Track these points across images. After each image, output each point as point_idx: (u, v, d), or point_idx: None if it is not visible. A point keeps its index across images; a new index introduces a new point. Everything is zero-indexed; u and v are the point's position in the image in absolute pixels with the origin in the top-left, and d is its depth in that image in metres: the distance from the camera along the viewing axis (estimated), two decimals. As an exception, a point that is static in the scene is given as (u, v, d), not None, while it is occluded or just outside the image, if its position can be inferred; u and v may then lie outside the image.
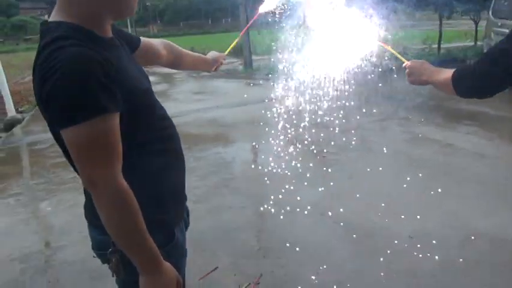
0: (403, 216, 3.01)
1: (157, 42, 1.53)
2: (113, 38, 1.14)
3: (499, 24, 6.56)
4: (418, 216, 2.98)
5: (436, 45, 10.72)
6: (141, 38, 1.43)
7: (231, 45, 2.11)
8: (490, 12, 7.20)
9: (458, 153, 4.24)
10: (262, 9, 2.07)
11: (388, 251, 2.62)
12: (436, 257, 2.51)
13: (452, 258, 2.51)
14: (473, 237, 2.70)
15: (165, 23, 38.86)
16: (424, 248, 2.60)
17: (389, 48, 1.74)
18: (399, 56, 1.72)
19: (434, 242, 2.66)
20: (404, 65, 1.62)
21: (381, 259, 2.55)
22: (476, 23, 10.56)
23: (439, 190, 3.28)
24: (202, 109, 7.10)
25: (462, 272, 2.40)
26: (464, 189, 3.40)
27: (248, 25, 2.25)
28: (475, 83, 1.29)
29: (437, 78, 1.46)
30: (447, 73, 1.40)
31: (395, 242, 2.70)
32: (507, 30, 6.31)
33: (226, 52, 1.98)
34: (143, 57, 1.40)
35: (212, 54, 1.84)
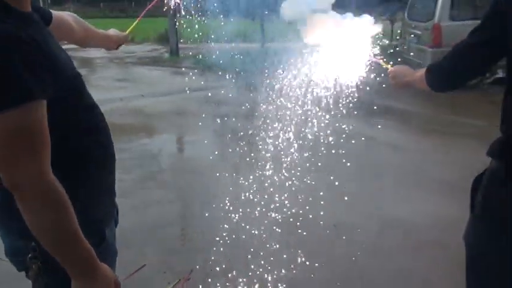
0: (328, 207, 3.13)
1: (66, 16, 1.39)
2: (33, 12, 0.99)
3: (413, 25, 7.09)
4: (343, 207, 3.12)
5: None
6: (51, 11, 1.29)
7: (132, 26, 2.04)
8: (406, 14, 7.76)
9: (379, 146, 4.53)
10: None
11: (315, 240, 2.71)
12: (357, 244, 2.66)
13: (373, 244, 2.67)
14: (392, 224, 2.90)
15: (83, 3, 36.20)
16: (347, 236, 2.74)
17: (374, 58, 1.82)
18: (383, 63, 1.79)
19: (356, 230, 2.81)
20: (388, 70, 1.71)
21: (308, 247, 2.63)
22: (393, 24, 11.32)
23: (363, 180, 3.47)
24: (126, 98, 6.74)
25: (381, 257, 2.57)
26: (385, 179, 3.63)
27: (147, 8, 2.18)
28: (440, 77, 1.40)
29: (415, 76, 1.55)
30: (421, 72, 1.49)
31: (321, 231, 2.81)
32: (419, 32, 6.86)
33: (128, 31, 1.90)
34: (55, 33, 1.24)
35: (114, 31, 1.73)
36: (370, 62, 1.88)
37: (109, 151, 1.22)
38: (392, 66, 1.71)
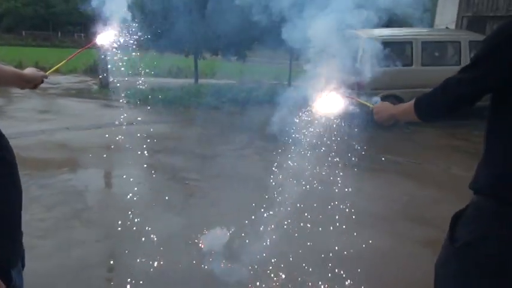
0: (263, 241, 3.14)
1: None
2: None
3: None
4: (276, 241, 3.14)
5: (286, 82, 11.87)
6: None
7: (56, 66, 2.07)
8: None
9: (308, 181, 4.67)
10: (99, 41, 2.13)
11: (251, 274, 2.69)
12: (292, 279, 2.67)
13: (307, 279, 2.70)
14: (326, 258, 2.97)
15: (3, 29, 33.99)
16: (281, 272, 2.75)
17: (356, 99, 2.06)
18: (364, 102, 2.00)
19: (290, 264, 2.83)
20: (372, 107, 1.90)
21: (242, 283, 2.60)
22: (318, 66, 12.11)
23: (295, 215, 3.54)
24: (48, 130, 6.32)
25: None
26: (316, 212, 3.74)
27: (77, 52, 2.19)
28: (430, 108, 1.52)
29: (401, 109, 1.70)
30: (408, 104, 1.61)
31: (257, 265, 2.80)
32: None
33: (49, 72, 1.85)
34: None
35: (30, 70, 1.66)
36: (352, 102, 2.10)
37: (14, 185, 1.13)
38: (372, 104, 1.91)
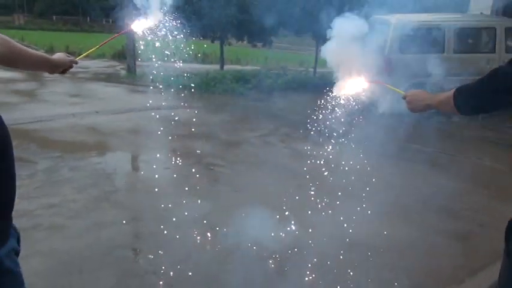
0: (286, 228, 3.15)
1: None
2: None
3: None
4: (301, 228, 3.16)
5: (312, 69, 11.72)
6: None
7: (87, 52, 2.07)
8: (358, 45, 8.18)
9: (334, 169, 4.64)
10: (135, 27, 2.13)
11: (273, 262, 2.71)
12: (316, 267, 2.69)
13: (333, 268, 2.71)
14: (350, 246, 2.96)
15: (35, 15, 34.82)
16: (305, 259, 2.76)
17: (386, 85, 1.97)
18: (395, 89, 1.91)
19: (315, 253, 2.84)
20: (403, 95, 1.79)
21: (266, 270, 2.63)
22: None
23: (319, 202, 3.53)
24: (79, 114, 6.50)
25: (341, 281, 2.61)
26: (341, 201, 3.72)
27: (110, 38, 2.20)
28: (473, 100, 1.41)
29: (438, 99, 1.59)
30: (445, 94, 1.52)
31: (280, 253, 2.82)
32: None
33: (80, 58, 1.86)
34: None
35: (59, 56, 1.68)
36: (382, 87, 2.04)
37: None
38: (404, 92, 1.81)
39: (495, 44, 7.18)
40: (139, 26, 2.15)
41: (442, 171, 4.74)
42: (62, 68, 1.69)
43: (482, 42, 7.53)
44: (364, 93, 2.25)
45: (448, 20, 7.21)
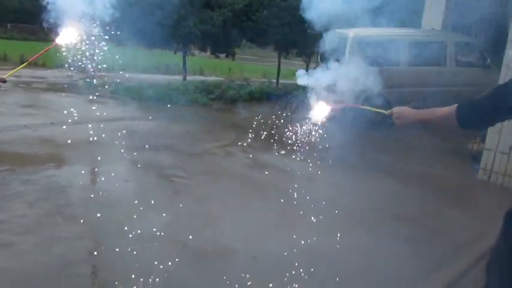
0: (247, 238, 3.14)
1: None
2: None
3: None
4: (261, 238, 3.15)
5: (275, 80, 11.87)
6: None
7: (16, 69, 1.96)
8: (319, 57, 8.37)
9: (293, 178, 4.69)
10: (59, 40, 2.03)
11: (235, 273, 2.68)
12: (276, 276, 2.68)
13: (292, 276, 2.71)
14: (308, 254, 2.98)
15: (-14, 23, 33.24)
16: (266, 268, 2.76)
17: (365, 107, 2.06)
18: (377, 110, 1.98)
19: (275, 262, 2.84)
20: (388, 112, 1.86)
21: (228, 281, 2.60)
22: (308, 65, 12.13)
23: (280, 212, 3.55)
24: (32, 125, 6.21)
25: (296, 283, 2.62)
26: (301, 210, 3.75)
27: (39, 54, 2.11)
28: (475, 116, 1.51)
29: (434, 114, 1.66)
30: (444, 109, 1.60)
31: (242, 263, 2.80)
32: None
33: (8, 76, 1.77)
34: None
35: None
36: (360, 109, 2.08)
37: None
38: (386, 111, 1.87)
39: (446, 58, 7.57)
40: (65, 38, 2.03)
41: (396, 179, 4.90)
42: None
43: (434, 55, 7.92)
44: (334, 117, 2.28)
45: (402, 34, 7.55)
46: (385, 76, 7.09)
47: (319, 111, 2.22)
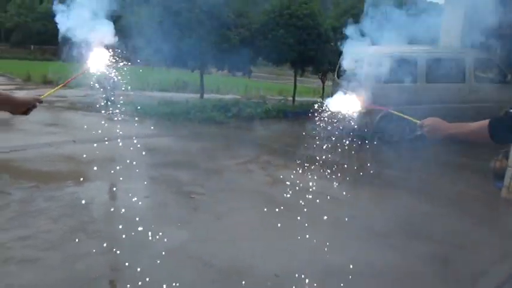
0: (268, 255, 3.12)
1: None
2: None
3: (342, 85, 7.70)
4: (282, 255, 3.13)
5: (291, 98, 11.93)
6: None
7: (51, 91, 2.01)
8: (336, 75, 8.41)
9: (313, 196, 4.67)
10: (90, 64, 2.08)
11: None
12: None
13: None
14: (330, 273, 2.94)
15: (13, 44, 34.55)
16: (288, 285, 2.73)
17: (397, 112, 2.00)
18: (409, 118, 1.93)
19: (297, 278, 2.81)
20: (420, 123, 1.81)
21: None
22: (323, 82, 12.18)
23: (299, 229, 3.52)
24: (55, 143, 6.37)
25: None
26: (322, 227, 3.73)
27: (72, 78, 2.18)
28: (508, 131, 1.54)
29: (467, 129, 1.68)
30: (478, 124, 1.62)
31: (263, 281, 2.77)
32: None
33: (45, 96, 1.83)
34: None
35: (23, 95, 1.64)
36: (397, 116, 2.04)
37: None
38: (418, 120, 1.84)
39: (465, 74, 7.51)
40: (96, 63, 2.09)
41: (420, 197, 4.82)
42: (25, 108, 1.61)
43: (453, 72, 7.87)
44: (356, 114, 2.24)
45: (420, 51, 7.54)
46: (403, 93, 7.08)
47: (351, 105, 2.17)
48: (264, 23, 10.45)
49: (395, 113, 2.09)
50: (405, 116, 2.00)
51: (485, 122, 1.59)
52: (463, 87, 7.44)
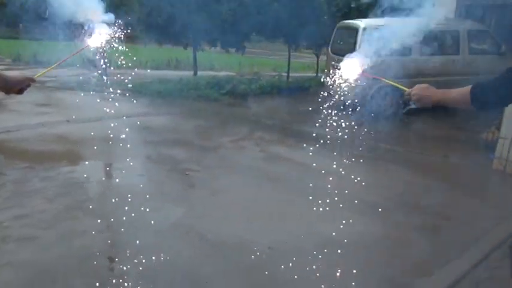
0: (263, 229, 3.18)
1: None
2: None
3: (336, 59, 7.63)
4: (277, 228, 3.19)
5: (285, 74, 11.84)
6: None
7: (44, 71, 2.01)
8: (329, 49, 8.33)
9: (307, 170, 4.72)
10: (91, 43, 2.06)
11: (251, 263, 2.73)
12: (293, 265, 2.72)
13: (308, 265, 2.75)
14: (324, 244, 3.01)
15: (0, 23, 33.79)
16: (283, 258, 2.80)
17: (388, 81, 1.98)
18: (398, 85, 1.97)
19: (291, 251, 2.87)
20: (408, 91, 1.85)
21: (245, 271, 2.64)
22: (318, 57, 12.06)
23: (294, 203, 3.58)
24: (49, 123, 6.33)
25: (316, 277, 2.65)
26: (316, 201, 3.78)
27: (66, 58, 2.15)
28: (489, 97, 1.54)
29: (451, 95, 1.70)
30: (461, 90, 1.64)
31: (257, 253, 2.84)
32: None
33: (38, 75, 1.82)
34: None
35: (16, 75, 1.64)
36: (383, 84, 2.05)
37: None
38: (406, 88, 1.87)
39: (459, 46, 7.47)
40: (95, 40, 2.09)
41: (411, 169, 4.88)
42: (19, 87, 1.61)
43: (447, 44, 7.82)
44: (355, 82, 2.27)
45: (413, 23, 7.45)
46: (396, 67, 7.03)
47: (348, 72, 2.23)
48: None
49: (386, 81, 2.13)
50: (395, 84, 2.02)
51: (467, 88, 1.61)
52: (457, 59, 7.41)
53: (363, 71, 2.16)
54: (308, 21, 10.14)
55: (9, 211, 3.32)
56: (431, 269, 2.82)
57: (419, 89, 1.82)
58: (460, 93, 1.66)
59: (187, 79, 10.41)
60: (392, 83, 2.07)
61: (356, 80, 2.20)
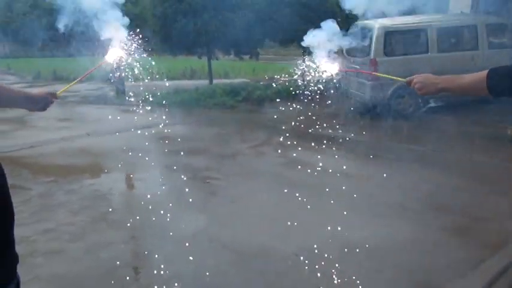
0: (287, 236, 3.14)
1: None
2: None
3: (352, 61, 7.57)
4: (301, 234, 3.15)
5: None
6: None
7: (66, 87, 2.03)
8: (344, 51, 8.27)
9: (328, 174, 4.66)
10: (108, 58, 2.09)
11: (276, 270, 2.69)
12: (320, 271, 2.67)
13: (334, 271, 2.70)
14: (351, 249, 2.95)
15: (20, 42, 34.81)
16: (308, 264, 2.75)
17: (380, 74, 1.97)
18: (395, 78, 1.93)
19: (317, 257, 2.83)
20: (406, 80, 1.76)
21: (270, 279, 2.61)
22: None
23: (316, 208, 3.53)
24: (70, 137, 6.45)
25: (344, 284, 2.60)
26: (339, 205, 3.73)
27: (88, 72, 2.19)
28: (508, 82, 1.43)
29: (462, 81, 1.57)
30: (474, 75, 1.52)
31: (282, 261, 2.80)
32: (358, 66, 7.35)
33: (61, 92, 1.84)
34: None
35: (39, 92, 1.66)
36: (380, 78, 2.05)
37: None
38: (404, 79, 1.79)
39: (477, 41, 7.31)
40: (113, 55, 2.13)
41: (436, 169, 4.77)
42: (42, 104, 1.64)
43: (465, 40, 7.67)
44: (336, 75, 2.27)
45: (429, 20, 7.34)
46: (414, 65, 6.93)
47: (328, 68, 2.23)
48: (268, 3, 10.28)
49: (380, 75, 2.10)
50: (390, 77, 1.97)
51: (483, 73, 1.48)
52: (477, 54, 7.25)
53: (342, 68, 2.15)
54: (320, 24, 10.11)
55: (36, 225, 3.38)
56: (463, 270, 2.73)
57: (422, 77, 1.70)
58: (474, 79, 1.52)
59: (203, 88, 10.48)
60: (386, 76, 2.03)
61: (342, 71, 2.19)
